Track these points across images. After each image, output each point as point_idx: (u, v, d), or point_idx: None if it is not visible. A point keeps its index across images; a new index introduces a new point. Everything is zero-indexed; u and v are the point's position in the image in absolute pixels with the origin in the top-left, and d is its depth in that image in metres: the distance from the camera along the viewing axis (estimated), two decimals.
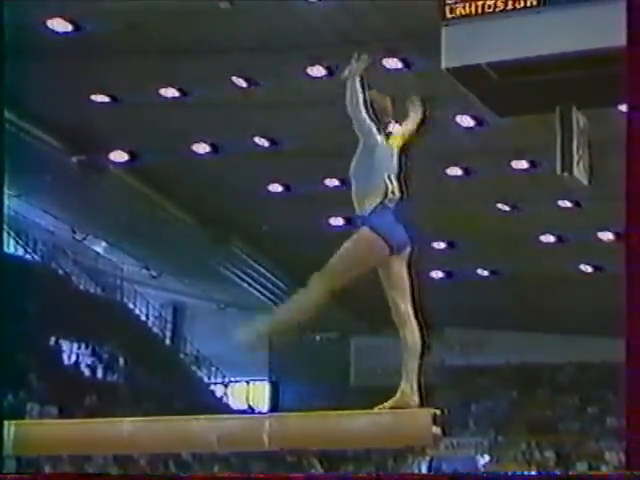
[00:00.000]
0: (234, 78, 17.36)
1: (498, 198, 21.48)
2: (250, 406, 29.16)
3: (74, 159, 20.44)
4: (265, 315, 5.00)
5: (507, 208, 21.92)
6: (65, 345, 24.40)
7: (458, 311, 26.37)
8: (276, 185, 21.79)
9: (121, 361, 25.20)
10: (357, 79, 4.89)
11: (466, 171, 20.16)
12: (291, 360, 29.43)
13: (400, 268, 4.89)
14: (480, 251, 23.64)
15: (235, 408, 27.87)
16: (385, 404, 4.80)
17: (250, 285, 28.11)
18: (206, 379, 29.95)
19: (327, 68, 16.73)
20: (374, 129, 4.93)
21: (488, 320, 27.24)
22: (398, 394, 4.81)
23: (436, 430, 4.53)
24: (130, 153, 20.40)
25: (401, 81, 16.48)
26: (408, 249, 4.91)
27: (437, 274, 25.86)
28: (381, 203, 4.87)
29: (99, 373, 24.88)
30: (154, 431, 5.11)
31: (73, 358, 24.50)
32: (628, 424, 4.31)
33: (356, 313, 29.48)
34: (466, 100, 12.81)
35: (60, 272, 26.99)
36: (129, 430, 5.13)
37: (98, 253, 28.17)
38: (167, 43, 16.41)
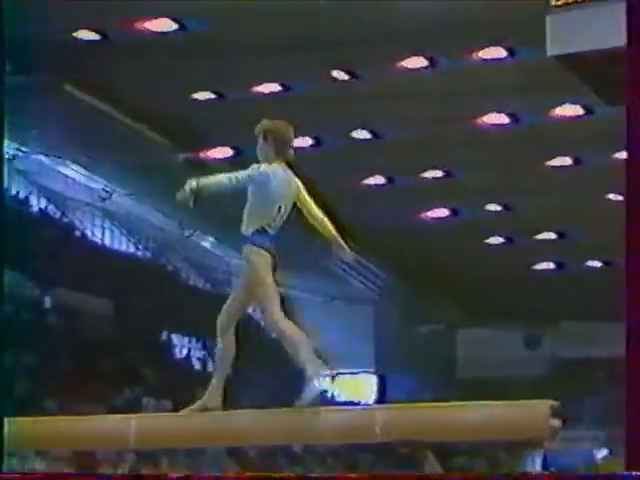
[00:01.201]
0: (335, 72, 17.40)
1: (609, 188, 20.96)
2: (358, 398, 29.19)
3: (181, 156, 20.85)
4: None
5: (620, 198, 21.36)
6: (176, 339, 24.90)
7: (572, 303, 25.81)
8: (378, 177, 21.77)
9: None
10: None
11: (576, 160, 19.75)
12: (397, 353, 29.31)
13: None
14: (592, 242, 23.09)
15: (341, 401, 27.93)
16: (192, 407, 5.15)
17: (355, 279, 28.15)
18: None
19: (429, 59, 16.60)
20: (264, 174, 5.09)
21: (602, 312, 26.56)
22: (206, 395, 5.21)
23: (554, 422, 4.41)
24: (234, 149, 20.67)
25: (506, 70, 16.26)
26: (275, 272, 5.22)
27: (548, 265, 25.38)
28: (262, 227, 5.16)
29: (209, 366, 25.29)
30: (264, 423, 5.14)
31: (184, 352, 24.99)
32: (628, 424, 4.15)
33: (462, 305, 29.19)
34: (576, 88, 12.53)
35: (170, 268, 27.55)
36: (239, 422, 5.19)
37: (206, 248, 28.65)
38: (268, 40, 16.57)
